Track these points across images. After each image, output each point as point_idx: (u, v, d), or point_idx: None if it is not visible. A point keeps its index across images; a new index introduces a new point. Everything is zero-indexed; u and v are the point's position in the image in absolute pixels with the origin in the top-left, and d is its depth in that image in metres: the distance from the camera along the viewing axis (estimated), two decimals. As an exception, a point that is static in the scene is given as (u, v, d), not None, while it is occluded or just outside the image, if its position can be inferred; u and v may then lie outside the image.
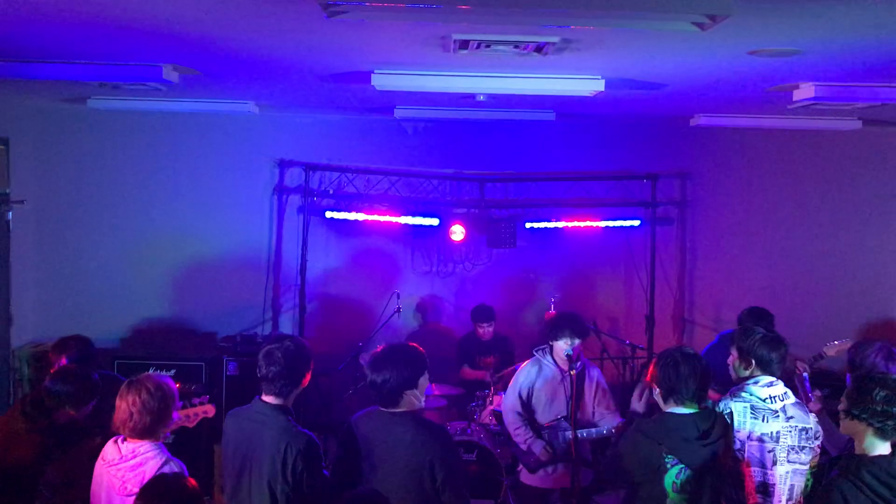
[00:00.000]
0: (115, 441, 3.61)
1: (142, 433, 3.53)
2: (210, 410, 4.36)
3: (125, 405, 3.52)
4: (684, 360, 3.63)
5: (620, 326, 8.12)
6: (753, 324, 5.31)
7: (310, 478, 3.47)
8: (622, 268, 8.16)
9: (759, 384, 3.88)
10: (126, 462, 3.51)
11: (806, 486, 3.85)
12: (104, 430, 3.93)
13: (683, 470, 3.54)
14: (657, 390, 3.73)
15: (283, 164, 7.91)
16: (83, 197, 7.83)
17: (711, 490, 3.58)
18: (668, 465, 3.55)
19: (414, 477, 3.45)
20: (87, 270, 7.83)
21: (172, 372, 6.84)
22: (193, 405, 4.33)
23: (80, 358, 4.84)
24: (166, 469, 3.46)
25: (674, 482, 3.55)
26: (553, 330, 5.12)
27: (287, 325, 7.93)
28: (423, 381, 3.68)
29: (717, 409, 3.92)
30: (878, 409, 3.15)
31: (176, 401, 3.68)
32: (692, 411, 3.61)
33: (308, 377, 3.70)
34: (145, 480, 3.37)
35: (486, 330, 7.09)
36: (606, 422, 5.07)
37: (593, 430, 5.00)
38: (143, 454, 3.51)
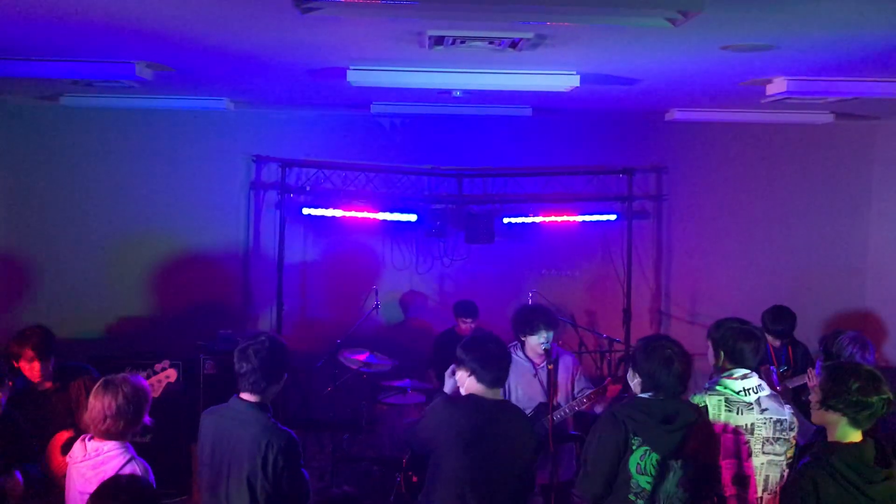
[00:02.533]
0: (83, 439, 3.60)
1: (112, 436, 3.52)
2: (172, 374, 4.39)
3: (100, 406, 3.50)
4: (678, 357, 3.64)
5: (598, 320, 8.15)
6: (769, 323, 5.29)
7: (290, 475, 3.49)
8: (599, 262, 8.20)
9: (733, 377, 3.91)
10: (88, 460, 3.51)
11: (781, 476, 3.89)
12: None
13: (648, 452, 3.57)
14: (636, 378, 3.75)
15: (259, 161, 7.87)
16: (56, 195, 7.74)
17: (687, 481, 3.60)
18: (634, 447, 3.58)
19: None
20: (60, 269, 7.75)
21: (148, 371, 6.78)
22: (155, 372, 4.37)
23: (46, 348, 4.55)
24: (128, 468, 3.45)
25: (638, 464, 3.58)
26: (526, 325, 5.07)
27: (265, 323, 7.89)
28: None
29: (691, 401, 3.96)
30: (853, 399, 3.18)
31: (149, 404, 3.67)
32: (663, 398, 3.64)
33: (286, 375, 3.70)
34: (104, 479, 3.37)
35: (468, 325, 7.10)
36: (581, 393, 5.11)
37: (565, 406, 5.01)
38: (105, 452, 3.50)
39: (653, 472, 3.57)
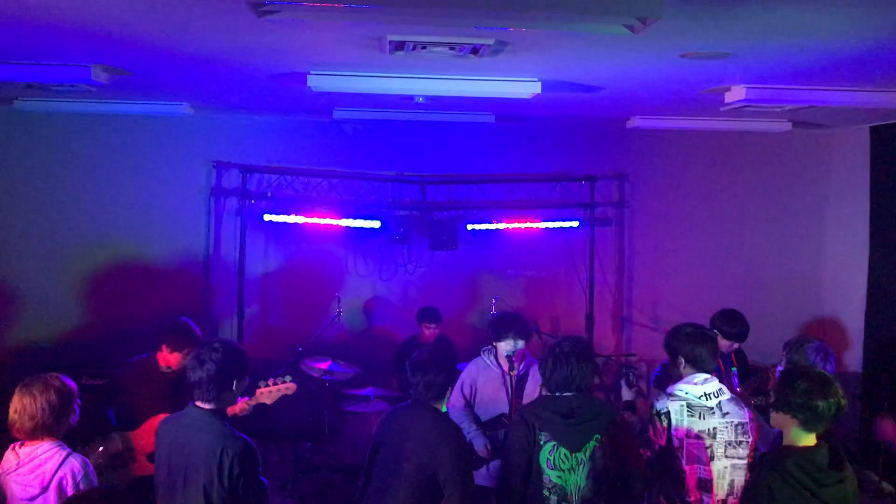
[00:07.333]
0: (14, 448, 3.55)
1: (43, 433, 3.49)
2: (291, 387, 4.70)
3: (29, 402, 3.45)
4: (568, 357, 3.84)
5: (561, 326, 8.18)
6: (726, 326, 5.33)
7: (246, 482, 3.47)
8: (562, 268, 8.23)
9: (694, 382, 3.96)
10: (24, 466, 3.47)
11: (745, 479, 3.92)
12: None
13: (556, 447, 3.75)
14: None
15: (220, 167, 7.78)
16: (10, 201, 7.58)
17: (597, 473, 3.77)
18: (542, 442, 3.77)
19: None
20: (15, 276, 7.59)
21: (105, 381, 6.65)
22: (276, 384, 4.69)
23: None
24: (66, 466, 3.44)
25: (548, 458, 3.77)
26: (497, 331, 5.15)
27: (225, 331, 7.78)
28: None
29: (654, 408, 3.99)
30: (800, 401, 3.22)
31: (77, 399, 3.63)
32: (570, 394, 3.85)
33: (244, 380, 3.67)
34: (46, 480, 3.38)
35: (431, 331, 7.09)
36: None
37: None
38: (41, 455, 3.48)
39: (563, 467, 3.74)
